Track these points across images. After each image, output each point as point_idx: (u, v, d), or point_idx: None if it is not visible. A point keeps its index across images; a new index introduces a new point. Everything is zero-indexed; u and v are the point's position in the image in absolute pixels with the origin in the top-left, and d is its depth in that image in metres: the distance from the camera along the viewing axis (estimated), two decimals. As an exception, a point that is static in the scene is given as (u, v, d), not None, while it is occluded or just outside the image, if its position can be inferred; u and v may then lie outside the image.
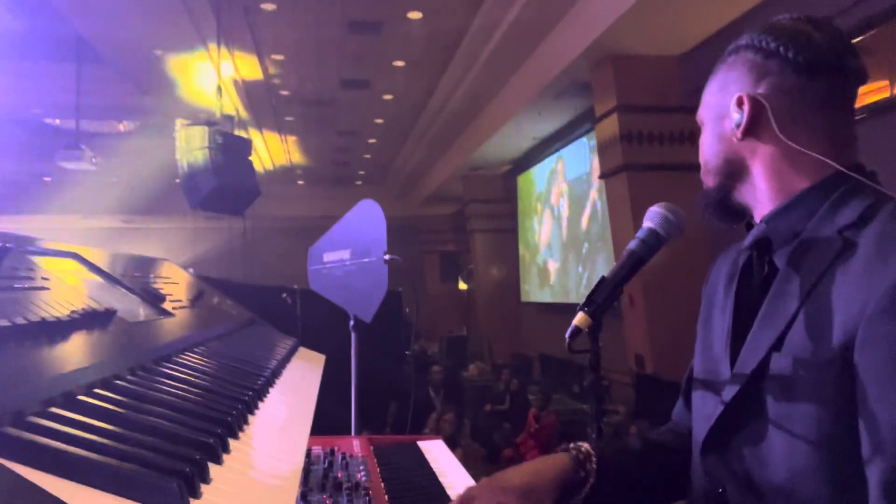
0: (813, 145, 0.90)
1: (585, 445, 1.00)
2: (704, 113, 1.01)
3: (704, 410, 0.97)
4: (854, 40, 4.59)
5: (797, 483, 0.82)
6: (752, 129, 0.93)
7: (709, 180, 1.00)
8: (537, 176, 12.12)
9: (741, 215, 0.99)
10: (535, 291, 12.29)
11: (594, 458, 0.99)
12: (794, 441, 0.82)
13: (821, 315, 0.82)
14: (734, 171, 0.96)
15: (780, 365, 0.85)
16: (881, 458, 0.75)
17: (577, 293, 10.08)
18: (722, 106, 0.96)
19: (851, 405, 0.78)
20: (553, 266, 11.25)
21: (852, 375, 0.78)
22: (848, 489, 0.79)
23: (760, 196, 0.94)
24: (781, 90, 0.91)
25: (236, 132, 7.45)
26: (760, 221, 0.95)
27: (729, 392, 0.91)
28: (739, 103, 0.93)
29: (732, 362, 0.93)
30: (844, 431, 0.79)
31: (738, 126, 0.93)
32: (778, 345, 0.85)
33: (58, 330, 0.87)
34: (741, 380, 0.89)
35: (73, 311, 0.96)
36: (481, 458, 6.03)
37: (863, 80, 0.92)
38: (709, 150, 0.99)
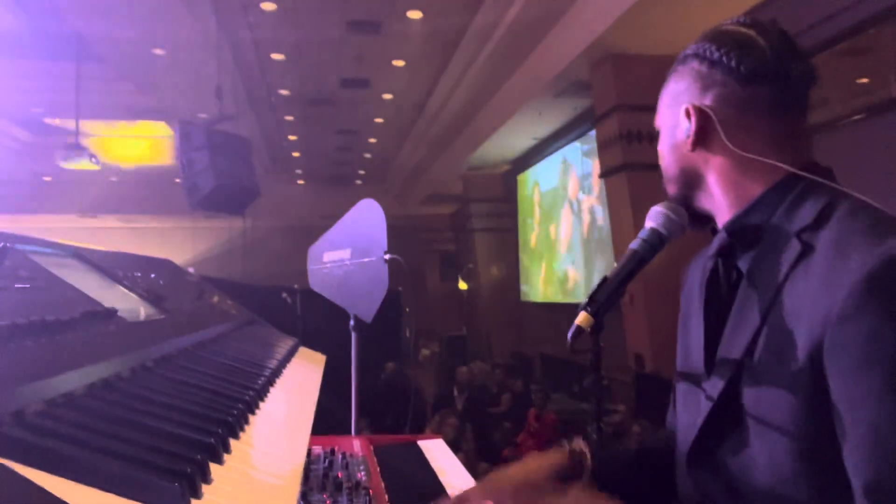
0: (763, 151, 0.90)
1: (582, 445, 1.01)
2: (660, 121, 1.02)
3: (686, 419, 0.98)
4: (852, 40, 4.61)
5: (781, 489, 0.82)
6: (702, 140, 0.93)
7: (670, 189, 1.01)
8: (544, 173, 12.03)
9: (706, 220, 1.00)
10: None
11: (588, 454, 0.99)
12: (774, 447, 0.82)
13: (786, 321, 0.82)
14: (690, 180, 0.97)
15: (753, 372, 0.85)
16: (862, 463, 0.75)
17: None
18: (673, 117, 0.97)
19: (825, 408, 0.78)
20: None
21: (823, 380, 0.78)
22: (831, 491, 0.79)
23: (719, 204, 0.95)
24: (727, 99, 0.91)
25: (236, 132, 7.45)
26: (721, 229, 0.95)
27: (707, 402, 0.91)
28: (687, 115, 0.94)
29: (708, 371, 0.93)
30: (822, 435, 0.79)
31: (687, 137, 0.94)
32: (749, 353, 0.86)
33: (58, 329, 0.87)
34: (717, 389, 0.89)
35: (73, 311, 0.95)
36: (481, 457, 6.03)
37: (812, 81, 0.92)
38: (665, 160, 1.01)
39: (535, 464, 0.99)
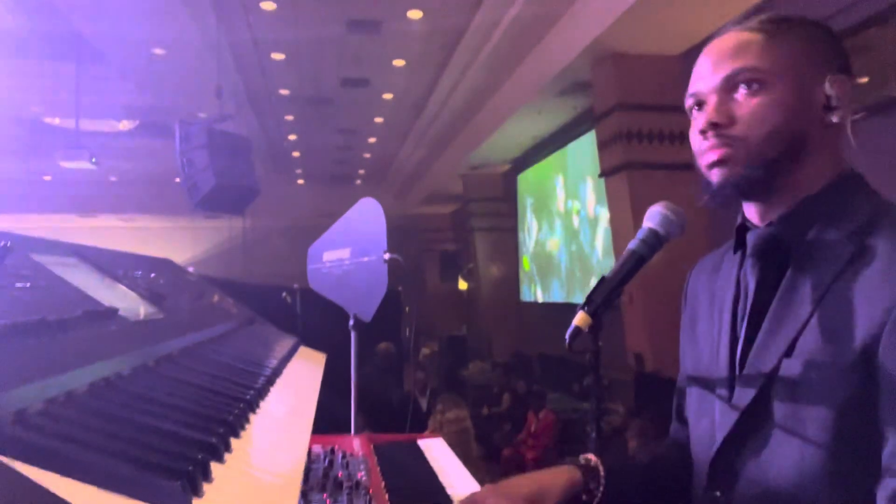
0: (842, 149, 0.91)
1: (594, 459, 0.99)
2: (780, 70, 0.89)
3: (704, 426, 0.96)
4: (853, 39, 4.61)
5: (804, 490, 0.82)
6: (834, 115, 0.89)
7: (763, 147, 0.88)
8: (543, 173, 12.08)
9: (740, 196, 0.94)
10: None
11: (602, 472, 0.97)
12: (804, 448, 0.82)
13: (838, 318, 0.81)
14: (796, 153, 0.89)
15: (792, 370, 0.84)
16: None
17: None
18: (812, 73, 0.89)
19: (867, 409, 0.78)
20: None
21: (873, 378, 0.77)
22: (856, 496, 0.79)
23: (788, 188, 0.90)
24: (850, 91, 0.90)
25: (236, 131, 7.44)
26: (768, 224, 0.93)
27: (740, 401, 0.89)
28: (834, 84, 0.88)
29: (736, 370, 0.91)
30: (857, 437, 0.79)
31: (833, 108, 0.88)
32: (789, 350, 0.84)
33: (59, 329, 0.87)
34: (753, 388, 0.87)
35: (74, 310, 0.96)
36: (481, 458, 6.02)
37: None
38: (785, 118, 0.88)
39: (548, 478, 0.96)
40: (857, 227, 0.84)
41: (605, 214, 8.97)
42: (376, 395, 5.30)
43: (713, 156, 0.91)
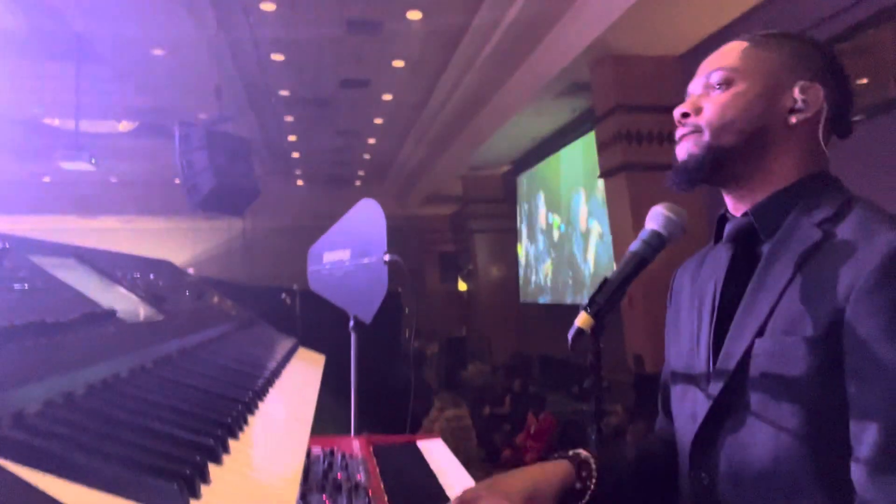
0: (817, 150, 0.96)
1: (585, 452, 1.00)
2: (750, 72, 0.96)
3: (685, 410, 0.99)
4: (852, 40, 4.61)
5: (782, 468, 0.84)
6: (802, 119, 0.95)
7: (726, 137, 0.96)
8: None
9: (711, 180, 0.99)
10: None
11: (594, 466, 0.98)
12: (779, 426, 0.84)
13: (805, 298, 0.85)
14: (757, 143, 0.95)
15: (764, 350, 0.87)
16: (874, 427, 0.77)
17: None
18: (784, 79, 0.95)
19: (836, 383, 0.80)
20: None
21: (839, 352, 0.80)
22: (832, 470, 0.81)
23: (756, 180, 0.96)
24: (827, 97, 0.95)
25: (235, 132, 7.44)
26: (745, 213, 0.97)
27: (716, 384, 0.92)
28: (804, 91, 0.94)
29: (715, 356, 0.94)
30: (829, 412, 0.81)
31: (797, 111, 0.94)
32: (761, 332, 0.88)
33: (57, 330, 0.87)
34: (727, 371, 0.91)
35: (72, 312, 0.95)
36: (481, 458, 6.02)
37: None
38: (744, 111, 0.95)
39: (541, 472, 0.97)
40: (825, 216, 0.89)
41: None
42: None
43: (678, 139, 1.00)
